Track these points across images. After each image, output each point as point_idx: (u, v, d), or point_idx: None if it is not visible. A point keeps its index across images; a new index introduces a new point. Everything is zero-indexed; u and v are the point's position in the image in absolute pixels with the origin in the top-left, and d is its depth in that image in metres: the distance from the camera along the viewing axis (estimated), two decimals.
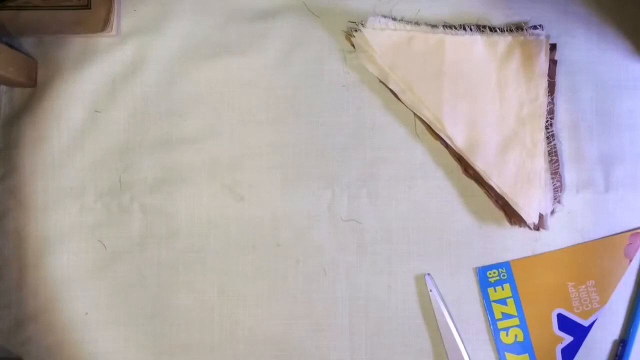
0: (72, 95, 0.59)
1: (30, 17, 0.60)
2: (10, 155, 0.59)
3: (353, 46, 0.59)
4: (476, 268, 0.56)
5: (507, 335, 0.55)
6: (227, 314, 0.57)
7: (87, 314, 0.57)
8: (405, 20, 0.58)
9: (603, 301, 0.54)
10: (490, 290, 0.56)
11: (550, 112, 0.56)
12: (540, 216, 0.55)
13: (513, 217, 0.56)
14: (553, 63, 0.57)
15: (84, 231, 0.58)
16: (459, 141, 0.56)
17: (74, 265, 0.58)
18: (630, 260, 0.55)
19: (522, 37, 0.57)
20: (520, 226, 0.55)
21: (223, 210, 0.58)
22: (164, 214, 0.58)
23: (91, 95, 0.59)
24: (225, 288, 0.57)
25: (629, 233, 0.55)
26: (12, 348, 0.56)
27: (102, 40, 0.60)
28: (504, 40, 0.57)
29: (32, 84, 0.59)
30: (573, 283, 0.55)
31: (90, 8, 0.60)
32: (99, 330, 0.57)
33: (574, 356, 0.54)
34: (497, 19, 0.58)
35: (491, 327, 0.56)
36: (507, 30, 0.57)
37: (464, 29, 0.57)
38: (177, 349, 0.57)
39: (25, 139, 0.59)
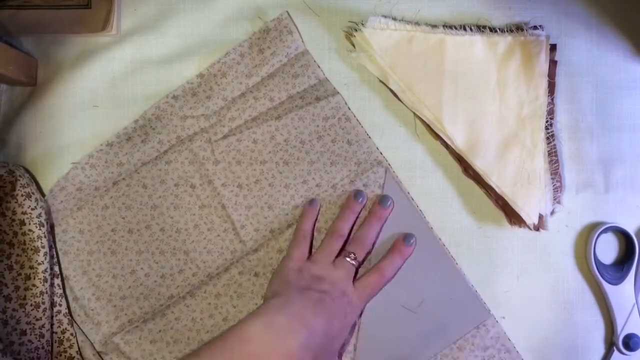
0: (72, 94, 0.59)
1: (30, 16, 0.60)
2: (10, 154, 0.59)
3: (353, 46, 0.59)
4: None
5: None
6: None
7: None
8: (405, 20, 0.58)
9: None
10: None
11: (550, 113, 0.56)
12: (540, 216, 0.55)
13: (513, 217, 0.55)
14: (553, 63, 0.57)
15: None
16: (458, 141, 0.56)
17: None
18: None
19: (522, 38, 0.57)
20: (520, 226, 0.55)
21: None
22: None
23: (91, 94, 0.59)
24: None
25: None
26: None
27: (102, 39, 0.60)
28: (504, 41, 0.57)
29: (32, 82, 0.59)
30: None
31: (90, 7, 0.60)
32: None
33: None
34: (498, 19, 0.58)
35: None
36: (507, 31, 0.57)
37: (464, 29, 0.57)
38: None
39: (25, 138, 0.59)
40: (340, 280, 0.53)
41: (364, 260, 0.55)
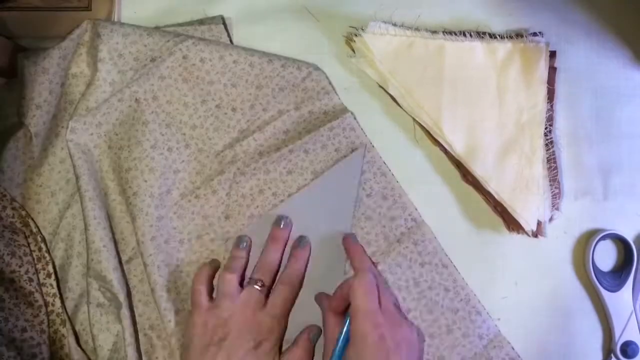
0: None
1: (30, 18, 0.60)
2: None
3: (353, 51, 0.59)
4: None
5: None
6: None
7: None
8: (405, 26, 0.58)
9: None
10: None
11: (550, 119, 0.56)
12: (539, 223, 0.55)
13: (511, 223, 0.55)
14: (553, 70, 0.57)
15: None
16: (458, 147, 0.56)
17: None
18: None
19: (522, 44, 0.57)
20: (519, 233, 0.55)
21: None
22: None
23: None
24: None
25: None
26: None
27: None
28: (503, 47, 0.57)
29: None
30: None
31: (90, 10, 0.60)
32: None
33: None
34: (497, 26, 0.58)
35: None
36: (507, 37, 0.57)
37: (464, 35, 0.57)
38: None
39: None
40: (245, 310, 0.50)
41: (272, 284, 0.53)
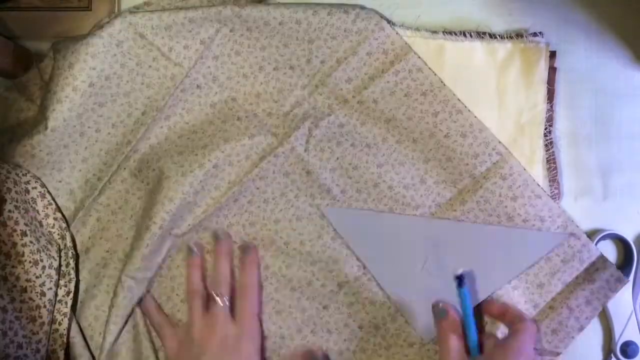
0: None
1: (30, 18, 0.60)
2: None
3: None
4: None
5: None
6: None
7: None
8: (405, 26, 0.58)
9: None
10: None
11: (550, 120, 0.56)
12: None
13: None
14: (553, 70, 0.57)
15: None
16: None
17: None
18: None
19: (522, 44, 0.57)
20: None
21: None
22: None
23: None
24: None
25: None
26: None
27: None
28: (503, 47, 0.57)
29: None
30: None
31: (91, 10, 0.60)
32: None
33: None
34: (497, 26, 0.58)
35: None
36: (507, 37, 0.57)
37: (464, 35, 0.57)
38: None
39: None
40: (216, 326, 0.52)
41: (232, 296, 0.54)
